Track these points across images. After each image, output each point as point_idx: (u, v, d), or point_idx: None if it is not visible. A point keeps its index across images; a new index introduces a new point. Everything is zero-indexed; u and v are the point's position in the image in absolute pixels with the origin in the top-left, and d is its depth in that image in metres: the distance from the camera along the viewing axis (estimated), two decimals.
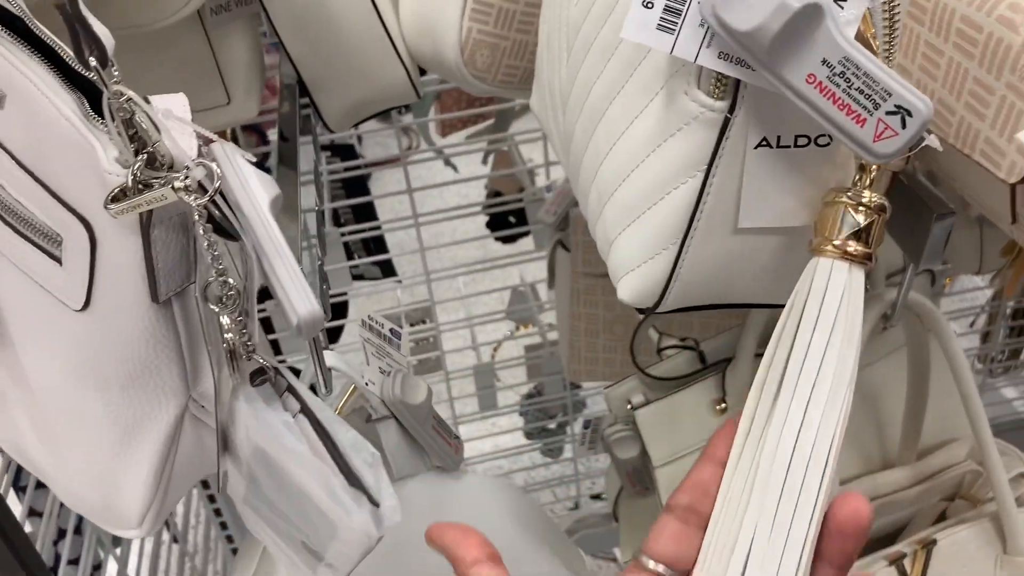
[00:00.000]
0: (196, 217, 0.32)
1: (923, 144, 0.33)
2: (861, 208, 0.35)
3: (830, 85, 0.33)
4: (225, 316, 0.34)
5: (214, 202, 0.32)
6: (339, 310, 1.28)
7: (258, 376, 0.35)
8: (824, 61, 0.33)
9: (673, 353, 0.78)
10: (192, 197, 0.31)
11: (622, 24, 0.36)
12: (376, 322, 0.60)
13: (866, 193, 0.36)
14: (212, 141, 0.32)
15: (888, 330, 0.68)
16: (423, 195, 1.17)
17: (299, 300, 0.32)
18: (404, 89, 0.70)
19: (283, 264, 0.32)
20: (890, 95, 0.32)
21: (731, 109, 0.36)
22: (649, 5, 0.34)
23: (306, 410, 0.36)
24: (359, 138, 1.88)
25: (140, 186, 0.32)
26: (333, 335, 1.31)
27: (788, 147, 0.37)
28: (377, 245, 1.33)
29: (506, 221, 1.38)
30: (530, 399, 1.38)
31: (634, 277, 0.41)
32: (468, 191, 1.94)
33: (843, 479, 0.73)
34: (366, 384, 0.57)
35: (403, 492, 0.60)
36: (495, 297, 1.37)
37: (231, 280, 0.33)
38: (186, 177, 0.31)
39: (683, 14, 0.34)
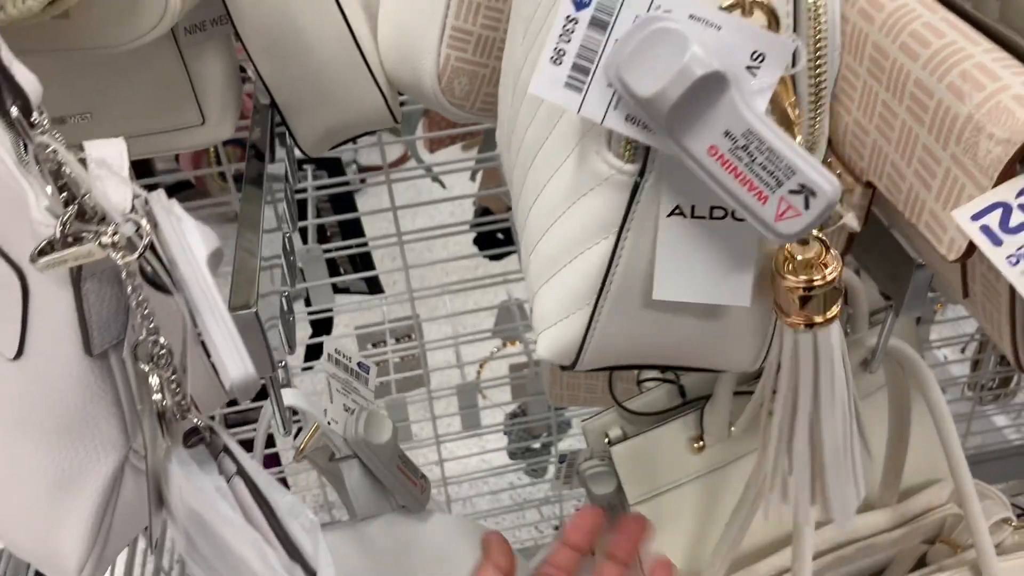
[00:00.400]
0: (124, 275, 0.30)
1: (841, 223, 0.31)
2: (812, 290, 0.34)
3: (732, 158, 0.31)
4: (155, 376, 0.32)
5: (146, 258, 0.31)
6: (323, 326, 1.26)
7: (192, 436, 0.34)
8: (727, 133, 0.31)
9: (653, 385, 0.76)
10: (120, 254, 0.30)
11: None
12: (343, 355, 0.58)
13: (816, 276, 0.34)
14: (139, 195, 0.31)
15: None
16: (413, 210, 1.16)
17: (232, 363, 0.30)
18: (381, 114, 0.68)
19: (217, 324, 0.31)
20: (794, 173, 0.30)
21: (641, 173, 0.35)
22: (557, 62, 0.33)
23: (242, 472, 0.34)
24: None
25: (69, 239, 0.31)
26: (317, 352, 1.29)
27: (703, 218, 0.35)
28: (364, 261, 1.31)
29: (495, 239, 1.36)
30: (514, 419, 1.36)
31: (551, 335, 0.39)
32: (464, 205, 1.92)
33: (822, 518, 0.72)
34: (328, 423, 0.55)
35: (367, 532, 0.58)
36: (483, 314, 1.35)
37: (162, 339, 0.32)
38: (115, 233, 0.30)
39: (591, 73, 0.33)
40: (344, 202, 1.28)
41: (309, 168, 1.21)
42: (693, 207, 0.35)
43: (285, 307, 0.59)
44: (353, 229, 1.30)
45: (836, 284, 0.35)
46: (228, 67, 0.70)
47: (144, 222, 0.30)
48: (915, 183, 0.38)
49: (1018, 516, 0.77)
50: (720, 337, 0.39)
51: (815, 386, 0.38)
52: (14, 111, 0.29)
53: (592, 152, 0.36)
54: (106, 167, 0.31)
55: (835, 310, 0.35)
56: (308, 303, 1.18)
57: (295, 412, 0.66)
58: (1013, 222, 0.32)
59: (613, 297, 0.37)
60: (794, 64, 0.31)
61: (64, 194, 0.31)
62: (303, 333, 1.34)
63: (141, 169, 1.43)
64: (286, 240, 0.64)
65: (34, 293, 0.34)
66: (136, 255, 0.30)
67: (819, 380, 0.38)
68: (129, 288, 0.31)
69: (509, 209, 1.25)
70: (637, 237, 0.36)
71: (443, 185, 1.33)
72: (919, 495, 0.72)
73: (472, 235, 1.42)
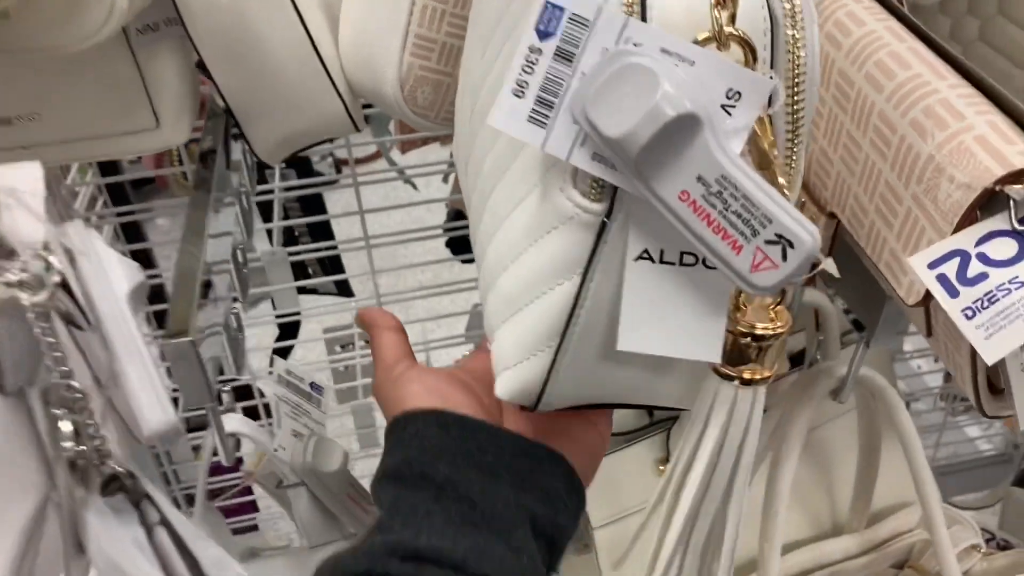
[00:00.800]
0: (31, 316, 0.28)
1: (819, 269, 0.29)
2: (755, 341, 0.32)
3: (705, 205, 0.29)
4: (68, 421, 0.30)
5: (59, 297, 0.28)
6: (290, 330, 1.24)
7: (111, 483, 0.32)
8: (699, 178, 0.29)
9: None
10: (28, 294, 0.28)
11: None
12: (294, 376, 0.56)
13: (760, 324, 0.32)
14: (52, 228, 0.28)
15: None
16: (387, 211, 1.13)
17: (151, 409, 0.28)
18: (341, 121, 0.66)
19: (136, 366, 0.29)
20: (771, 222, 0.28)
21: (608, 213, 0.32)
22: (519, 94, 0.30)
23: (166, 523, 0.32)
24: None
25: None
26: (284, 355, 1.27)
27: (672, 264, 0.32)
28: (333, 262, 1.29)
29: (468, 243, 1.34)
30: None
31: (511, 375, 0.37)
32: (439, 205, 1.89)
33: (791, 542, 0.71)
34: (275, 450, 0.53)
35: (316, 561, 0.56)
36: (454, 318, 1.33)
37: (76, 383, 0.29)
38: (22, 270, 0.27)
39: (556, 108, 0.30)
40: (313, 203, 1.25)
41: (277, 168, 1.18)
42: (662, 251, 0.32)
43: (234, 324, 0.56)
44: (322, 230, 1.27)
45: (780, 340, 0.33)
46: (183, 69, 0.67)
47: (53, 259, 0.28)
48: (877, 220, 0.36)
49: (987, 541, 0.76)
50: (690, 381, 0.36)
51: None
52: None
53: (556, 189, 0.33)
54: (17, 197, 0.29)
55: (771, 368, 0.33)
56: (274, 306, 1.16)
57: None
58: (971, 272, 0.30)
59: (577, 341, 0.35)
60: (771, 103, 0.29)
61: None
62: (269, 336, 1.31)
63: (107, 167, 1.39)
64: (238, 250, 0.62)
65: None
66: (45, 295, 0.28)
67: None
68: (38, 330, 0.28)
69: None
70: (603, 280, 0.34)
71: (415, 187, 1.30)
72: (888, 520, 0.71)
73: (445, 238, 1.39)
